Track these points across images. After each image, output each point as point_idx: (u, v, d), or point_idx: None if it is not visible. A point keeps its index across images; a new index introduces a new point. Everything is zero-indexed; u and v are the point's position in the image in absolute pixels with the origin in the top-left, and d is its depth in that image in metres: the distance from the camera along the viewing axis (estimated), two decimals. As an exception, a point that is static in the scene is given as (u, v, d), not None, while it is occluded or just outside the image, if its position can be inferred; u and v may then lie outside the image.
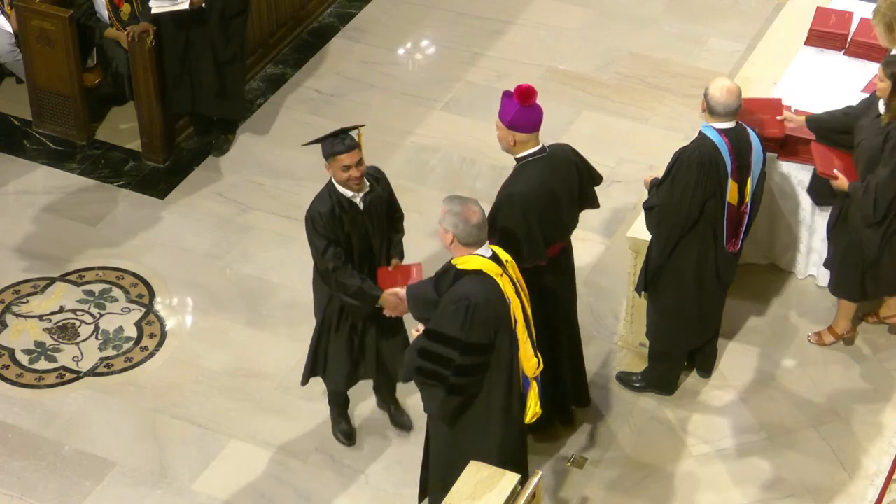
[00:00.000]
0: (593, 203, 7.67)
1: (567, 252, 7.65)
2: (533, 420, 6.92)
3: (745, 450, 7.93)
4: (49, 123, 10.23)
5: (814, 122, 8.15)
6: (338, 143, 7.09)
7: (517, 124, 7.18)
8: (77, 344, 8.68)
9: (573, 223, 7.56)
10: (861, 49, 8.96)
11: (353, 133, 7.14)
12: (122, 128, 10.34)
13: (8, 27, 10.15)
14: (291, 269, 9.12)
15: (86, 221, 9.54)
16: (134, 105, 10.04)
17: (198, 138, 10.26)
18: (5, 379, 8.44)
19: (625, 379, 8.30)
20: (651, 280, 7.82)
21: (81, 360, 8.57)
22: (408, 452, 7.91)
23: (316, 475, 7.85)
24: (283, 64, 10.99)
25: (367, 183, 7.27)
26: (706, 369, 8.35)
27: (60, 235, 9.42)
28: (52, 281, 9.09)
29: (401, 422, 7.93)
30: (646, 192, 7.87)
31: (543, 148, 7.30)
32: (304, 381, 7.79)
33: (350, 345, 7.60)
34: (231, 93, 9.94)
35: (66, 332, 8.75)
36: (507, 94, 7.20)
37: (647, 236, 7.87)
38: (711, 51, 11.00)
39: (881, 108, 7.76)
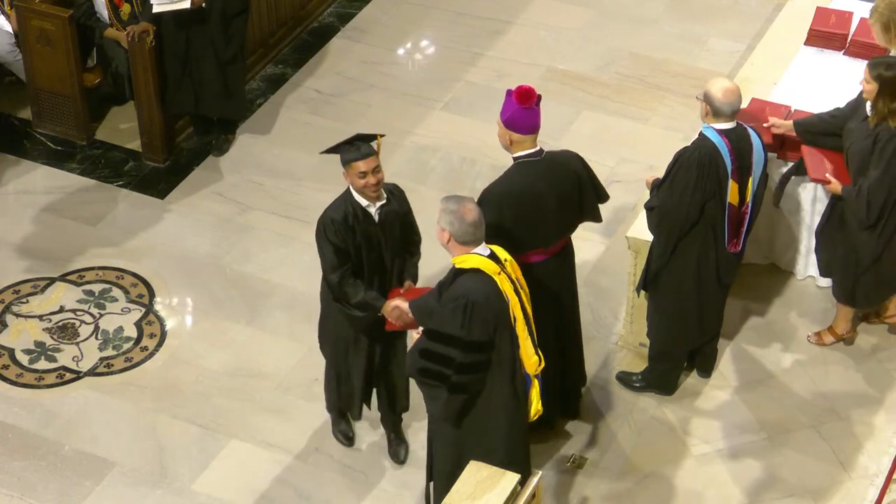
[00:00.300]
0: (594, 217, 7.64)
1: (567, 253, 7.64)
2: (535, 417, 6.93)
3: (745, 450, 7.93)
4: (49, 123, 10.23)
5: (801, 126, 8.15)
6: (354, 149, 7.06)
7: (513, 124, 7.19)
8: (77, 344, 8.68)
9: (560, 232, 7.46)
10: (861, 49, 8.95)
11: (373, 142, 7.10)
12: (122, 128, 10.34)
13: (8, 27, 10.14)
14: (291, 269, 9.12)
15: (86, 221, 9.54)
16: (134, 105, 10.04)
17: (198, 138, 10.26)
18: (5, 379, 8.45)
19: (625, 379, 8.30)
20: (652, 280, 7.82)
21: (81, 360, 8.57)
22: (408, 452, 7.91)
23: (316, 475, 7.85)
24: (283, 64, 10.99)
25: (385, 195, 7.23)
26: (706, 369, 8.35)
27: (60, 235, 9.42)
28: (52, 281, 9.09)
29: (397, 451, 7.88)
30: (647, 191, 7.87)
31: (540, 151, 7.29)
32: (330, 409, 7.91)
33: (368, 376, 7.63)
34: (233, 93, 9.94)
35: (66, 332, 8.75)
36: (509, 93, 7.22)
37: (648, 236, 7.87)
38: (711, 51, 11.00)
39: (868, 110, 7.75)
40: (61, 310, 8.90)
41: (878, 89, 7.60)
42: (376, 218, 7.21)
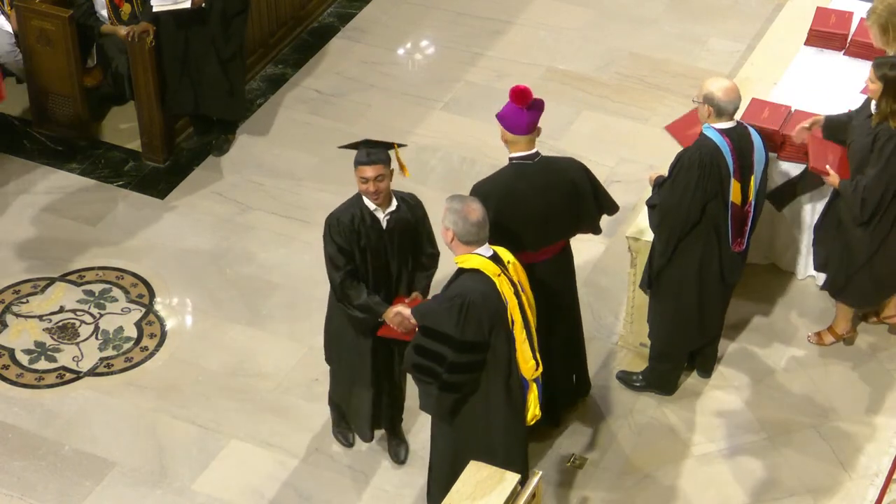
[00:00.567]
0: (592, 228, 7.60)
1: (559, 261, 7.62)
2: (532, 422, 6.91)
3: (746, 450, 7.93)
4: (49, 123, 10.23)
5: (825, 123, 8.14)
6: (364, 153, 7.05)
7: (506, 121, 7.19)
8: (77, 344, 8.68)
9: (548, 238, 7.40)
10: (861, 49, 8.95)
11: (391, 150, 7.05)
12: (122, 128, 10.34)
13: (8, 27, 10.14)
14: (291, 269, 9.12)
15: (86, 221, 9.54)
16: (134, 105, 10.04)
17: (198, 138, 10.26)
18: (5, 379, 8.45)
19: (625, 378, 8.30)
20: (654, 280, 7.82)
21: (81, 360, 8.58)
22: (408, 452, 7.92)
23: (316, 475, 7.85)
24: (283, 64, 10.99)
25: (395, 202, 7.20)
26: (706, 369, 8.35)
27: (60, 235, 9.42)
28: (52, 281, 9.09)
29: (397, 451, 7.88)
30: (647, 191, 7.87)
31: (535, 155, 7.26)
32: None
33: (378, 398, 7.63)
34: (232, 93, 9.94)
35: (66, 332, 8.75)
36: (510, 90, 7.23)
37: (648, 236, 7.88)
38: (711, 51, 11.01)
39: (873, 108, 7.76)
40: (61, 310, 8.90)
41: (882, 89, 7.61)
42: (384, 224, 7.19)
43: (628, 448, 7.96)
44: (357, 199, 7.19)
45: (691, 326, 7.93)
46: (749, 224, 7.69)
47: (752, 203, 7.64)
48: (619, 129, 10.23)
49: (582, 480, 7.79)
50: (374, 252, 7.21)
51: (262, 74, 10.85)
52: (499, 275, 6.59)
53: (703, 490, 7.73)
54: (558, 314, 7.59)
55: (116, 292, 9.02)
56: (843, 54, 9.11)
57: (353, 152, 7.11)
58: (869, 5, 8.48)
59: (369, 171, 7.02)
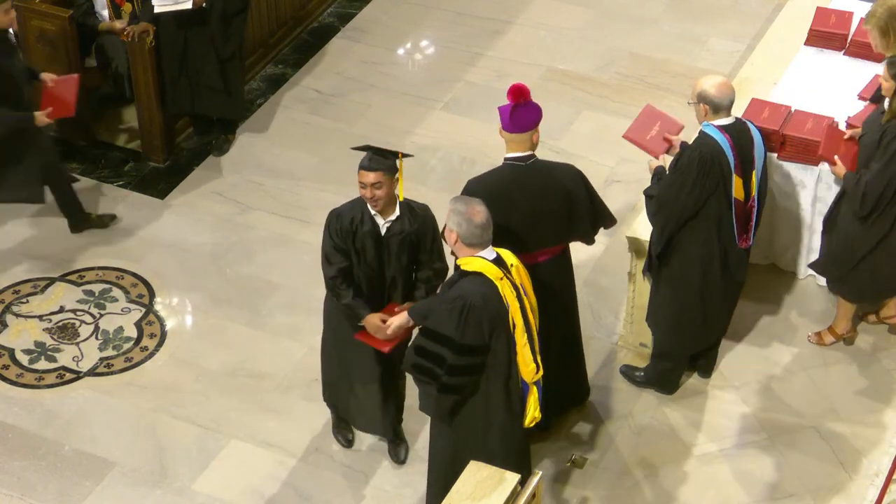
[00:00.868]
0: (585, 237, 7.56)
1: (564, 258, 7.62)
2: (532, 424, 6.90)
3: (746, 450, 7.93)
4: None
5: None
6: (367, 158, 7.04)
7: (502, 117, 7.19)
8: (77, 344, 8.68)
9: (536, 243, 7.35)
10: (861, 49, 8.95)
11: (396, 159, 7.04)
12: (122, 128, 10.34)
13: (8, 27, 10.14)
14: (291, 269, 9.12)
15: (86, 221, 9.55)
16: (134, 105, 10.04)
17: (198, 138, 10.26)
18: (5, 379, 8.45)
19: (628, 373, 8.31)
20: (655, 273, 7.83)
21: (81, 360, 8.58)
22: (408, 452, 7.92)
23: (316, 475, 7.85)
24: (283, 64, 10.99)
25: (398, 212, 7.18)
26: (706, 369, 8.35)
27: (60, 235, 9.42)
28: (52, 281, 9.10)
29: (397, 451, 7.89)
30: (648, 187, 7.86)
31: (528, 157, 7.24)
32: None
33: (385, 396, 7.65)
34: (231, 92, 9.94)
35: (66, 332, 8.75)
36: None
37: (648, 236, 7.87)
38: (711, 51, 11.01)
39: (886, 105, 7.78)
40: (61, 310, 8.90)
41: (895, 87, 7.63)
42: (383, 230, 7.19)
43: (628, 448, 7.96)
44: (362, 200, 7.19)
45: (694, 325, 7.93)
46: (754, 220, 7.69)
47: (756, 198, 7.64)
48: (619, 129, 10.12)
49: (582, 480, 7.79)
50: (369, 257, 7.20)
51: (262, 74, 10.85)
52: (501, 278, 6.58)
53: (703, 490, 7.73)
54: (555, 317, 7.56)
55: (116, 292, 9.02)
56: (843, 54, 9.11)
57: (358, 155, 7.11)
58: (869, 5, 8.48)
59: (369, 177, 7.02)
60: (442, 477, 7.03)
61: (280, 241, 9.35)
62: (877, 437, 7.97)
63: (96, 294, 9.00)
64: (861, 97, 8.60)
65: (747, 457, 7.89)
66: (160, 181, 9.90)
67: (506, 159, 7.30)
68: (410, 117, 10.41)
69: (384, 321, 7.17)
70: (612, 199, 9.30)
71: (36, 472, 7.89)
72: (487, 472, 6.52)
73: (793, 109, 8.52)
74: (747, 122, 7.61)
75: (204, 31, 9.62)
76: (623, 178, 9.70)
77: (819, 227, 8.58)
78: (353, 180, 7.22)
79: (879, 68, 8.47)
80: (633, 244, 8.14)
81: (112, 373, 8.49)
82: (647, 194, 7.68)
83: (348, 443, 7.96)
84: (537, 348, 6.79)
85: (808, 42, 9.21)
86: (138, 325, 8.80)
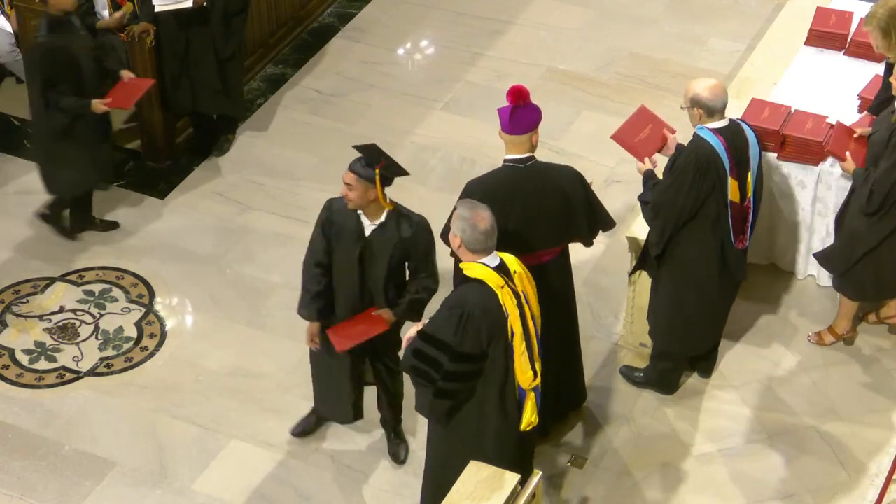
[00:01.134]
0: (583, 239, 7.56)
1: (563, 260, 7.62)
2: (528, 428, 6.87)
3: (746, 450, 7.93)
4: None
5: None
6: (354, 159, 7.06)
7: (500, 118, 7.19)
8: (77, 344, 8.68)
9: (532, 245, 7.35)
10: (861, 49, 8.95)
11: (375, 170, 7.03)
12: (122, 128, 10.34)
13: (8, 27, 10.15)
14: (291, 269, 9.10)
15: (86, 221, 9.55)
16: (134, 105, 10.03)
17: (198, 138, 10.26)
18: (5, 379, 8.45)
19: (627, 373, 8.31)
20: (653, 277, 7.83)
21: (81, 360, 8.58)
22: (408, 452, 7.92)
23: (316, 475, 7.85)
24: (283, 64, 11.00)
25: (384, 218, 7.15)
26: (706, 370, 8.35)
27: (60, 235, 9.42)
28: (52, 281, 9.10)
29: (396, 451, 7.89)
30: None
31: (527, 159, 7.22)
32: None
33: (355, 378, 7.65)
34: (231, 91, 9.95)
35: (66, 332, 8.76)
36: None
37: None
38: (711, 51, 11.01)
39: None
40: (61, 310, 8.91)
41: None
42: (367, 231, 7.18)
43: (628, 448, 7.96)
44: None
45: (693, 325, 7.93)
46: (750, 221, 7.69)
47: (752, 199, 7.64)
48: (620, 129, 10.22)
49: (582, 480, 7.79)
50: (348, 256, 7.20)
51: (262, 74, 10.86)
52: (502, 286, 6.54)
53: (702, 490, 7.73)
54: (555, 318, 7.55)
55: (116, 292, 9.02)
56: (843, 54, 9.11)
57: (356, 153, 7.12)
58: (869, 5, 8.47)
59: (345, 175, 7.04)
60: (435, 477, 7.04)
61: (280, 241, 9.35)
62: (877, 437, 7.97)
63: (96, 294, 9.00)
64: (861, 97, 8.60)
65: (747, 457, 7.89)
66: (160, 181, 9.90)
67: (505, 161, 7.29)
68: (410, 117, 10.41)
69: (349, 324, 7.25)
70: (612, 199, 9.32)
71: (36, 472, 7.89)
72: (487, 472, 6.52)
73: (793, 109, 8.52)
74: (741, 124, 7.61)
75: (204, 31, 9.62)
76: (623, 178, 9.70)
77: (819, 227, 8.59)
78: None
79: (879, 68, 8.49)
80: (633, 244, 8.14)
81: (112, 373, 8.49)
82: (643, 200, 7.67)
83: (300, 433, 7.99)
84: (536, 356, 6.75)
85: (808, 42, 9.21)
86: (138, 325, 8.80)
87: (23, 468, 7.91)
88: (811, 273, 8.85)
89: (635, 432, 8.05)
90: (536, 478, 6.58)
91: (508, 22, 11.40)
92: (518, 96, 7.13)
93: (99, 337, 8.72)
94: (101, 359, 8.58)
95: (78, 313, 8.88)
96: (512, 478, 6.49)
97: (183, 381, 8.43)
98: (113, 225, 9.44)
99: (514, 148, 7.24)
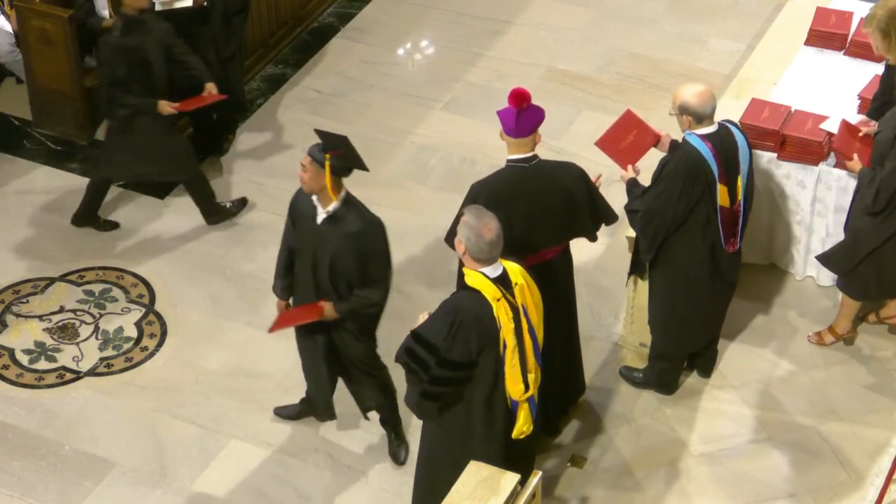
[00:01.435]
0: (588, 234, 7.57)
1: (565, 257, 7.62)
2: (519, 436, 6.85)
3: (746, 450, 7.93)
4: (49, 123, 10.23)
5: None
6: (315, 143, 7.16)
7: (502, 121, 7.19)
8: (77, 344, 8.68)
9: (535, 244, 7.36)
10: (861, 49, 8.95)
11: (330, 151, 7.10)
12: (122, 128, 10.33)
13: (8, 27, 10.15)
14: (291, 269, 9.11)
15: (86, 221, 9.55)
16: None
17: (198, 138, 10.24)
18: (5, 379, 8.45)
19: (626, 374, 8.31)
20: (650, 279, 7.83)
21: (81, 360, 8.58)
22: (408, 453, 7.91)
23: (316, 475, 7.85)
24: (283, 64, 10.99)
25: (334, 208, 7.18)
26: (706, 369, 8.35)
27: (60, 235, 9.42)
28: (52, 281, 9.10)
29: (396, 452, 7.90)
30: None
31: (531, 158, 7.23)
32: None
33: (331, 375, 7.71)
34: (231, 90, 9.93)
35: (66, 332, 8.76)
36: None
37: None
38: (711, 51, 11.01)
39: None
40: (61, 310, 8.90)
41: None
42: (319, 219, 7.22)
43: (628, 448, 7.96)
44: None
45: (687, 326, 7.93)
46: (740, 223, 7.69)
47: (741, 202, 7.64)
48: (619, 129, 10.22)
49: (582, 480, 7.79)
50: (302, 239, 7.34)
51: (262, 74, 10.85)
52: (498, 299, 6.52)
53: (703, 490, 7.73)
54: (557, 315, 7.56)
55: (116, 292, 9.02)
56: (843, 54, 9.11)
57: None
58: (869, 5, 8.47)
59: (303, 158, 7.15)
60: (425, 470, 7.07)
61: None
62: (877, 437, 7.97)
63: (96, 294, 9.00)
64: (861, 97, 8.60)
65: (747, 457, 7.89)
66: (160, 181, 9.89)
67: (508, 161, 7.29)
68: (410, 117, 10.41)
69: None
70: (612, 199, 9.25)
71: (36, 472, 7.89)
72: (487, 472, 6.52)
73: (793, 109, 8.52)
74: (730, 127, 7.59)
75: (205, 31, 9.61)
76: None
77: (818, 227, 8.60)
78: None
79: (879, 69, 8.48)
80: (633, 244, 8.13)
81: (112, 373, 8.49)
82: (631, 209, 7.66)
83: (283, 417, 8.08)
84: (532, 367, 6.70)
85: (808, 42, 9.21)
86: (138, 325, 8.80)
87: (23, 468, 7.91)
88: (810, 274, 8.85)
89: (635, 432, 8.05)
90: (536, 478, 6.58)
91: (508, 22, 11.40)
92: (521, 99, 7.12)
93: (99, 337, 8.72)
94: (101, 359, 8.58)
95: (78, 313, 8.88)
96: (512, 478, 6.49)
97: (183, 381, 8.43)
98: (114, 225, 9.45)
99: (518, 148, 7.24)
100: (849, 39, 9.09)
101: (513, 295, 6.58)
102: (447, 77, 10.82)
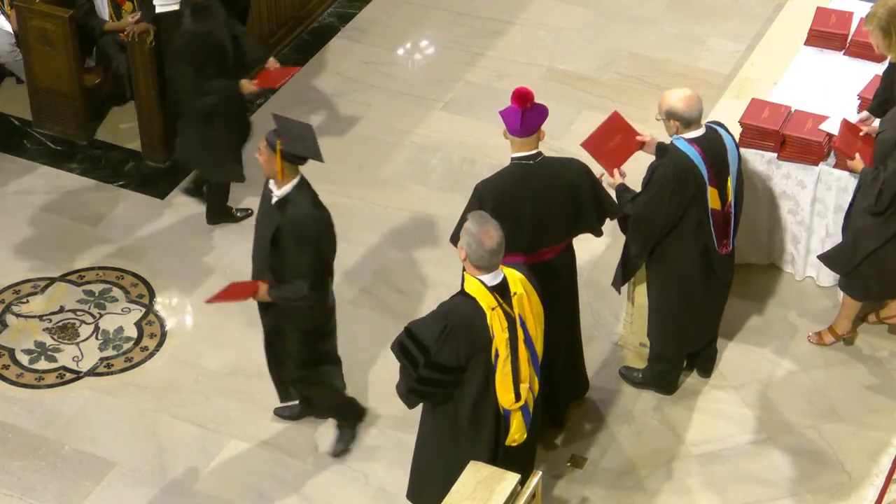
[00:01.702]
0: (593, 230, 7.58)
1: (569, 254, 7.63)
2: (512, 444, 6.84)
3: (746, 450, 7.93)
4: (49, 123, 10.23)
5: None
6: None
7: (505, 121, 7.19)
8: (77, 344, 8.68)
9: (542, 240, 7.37)
10: (861, 49, 8.96)
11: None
12: (122, 128, 10.34)
13: (8, 27, 10.15)
14: (291, 269, 9.11)
15: (86, 221, 9.54)
16: (134, 105, 10.04)
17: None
18: (5, 379, 8.45)
19: (626, 374, 8.31)
20: (646, 281, 7.85)
21: (81, 360, 8.58)
22: (408, 453, 7.90)
23: (316, 475, 7.85)
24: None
25: (285, 193, 7.25)
26: (706, 369, 8.35)
27: (60, 235, 9.42)
28: (52, 281, 9.10)
29: (335, 445, 8.03)
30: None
31: (535, 156, 7.23)
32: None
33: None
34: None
35: (66, 332, 8.76)
36: None
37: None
38: (711, 51, 11.01)
39: None
40: (61, 310, 8.91)
41: None
42: (272, 200, 7.31)
43: (628, 448, 7.96)
44: None
45: (683, 327, 7.93)
46: (732, 225, 7.70)
47: (732, 203, 7.64)
48: (620, 129, 10.22)
49: (582, 480, 7.79)
50: (258, 220, 7.45)
51: (262, 74, 10.85)
52: (493, 308, 6.50)
53: (703, 490, 7.73)
54: (560, 312, 7.58)
55: (116, 292, 9.02)
56: (843, 54, 9.11)
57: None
58: (869, 5, 8.47)
59: (260, 142, 7.23)
60: (416, 458, 7.10)
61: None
62: (877, 437, 7.97)
63: (96, 294, 9.01)
64: (861, 97, 8.60)
65: (747, 457, 7.89)
66: (160, 181, 9.90)
67: (513, 159, 7.29)
68: (410, 117, 10.41)
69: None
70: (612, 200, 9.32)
71: (36, 472, 7.89)
72: (487, 472, 6.52)
73: (793, 109, 8.52)
74: (718, 129, 7.59)
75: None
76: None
77: (818, 227, 8.59)
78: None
79: (879, 68, 8.48)
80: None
81: (112, 373, 8.49)
82: (621, 215, 7.66)
83: (287, 417, 8.14)
84: (526, 378, 6.66)
85: (808, 42, 9.21)
86: (138, 325, 8.80)
87: (23, 468, 7.91)
88: (810, 274, 8.85)
89: (635, 432, 8.05)
90: (536, 478, 6.58)
91: (508, 22, 11.40)
92: (525, 99, 7.12)
93: (99, 337, 8.72)
94: (101, 359, 8.58)
95: (78, 313, 8.88)
96: (512, 478, 6.49)
97: (183, 381, 8.43)
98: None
99: (522, 147, 7.24)
100: (849, 39, 9.10)
101: (510, 305, 6.56)
102: (447, 77, 10.82)
